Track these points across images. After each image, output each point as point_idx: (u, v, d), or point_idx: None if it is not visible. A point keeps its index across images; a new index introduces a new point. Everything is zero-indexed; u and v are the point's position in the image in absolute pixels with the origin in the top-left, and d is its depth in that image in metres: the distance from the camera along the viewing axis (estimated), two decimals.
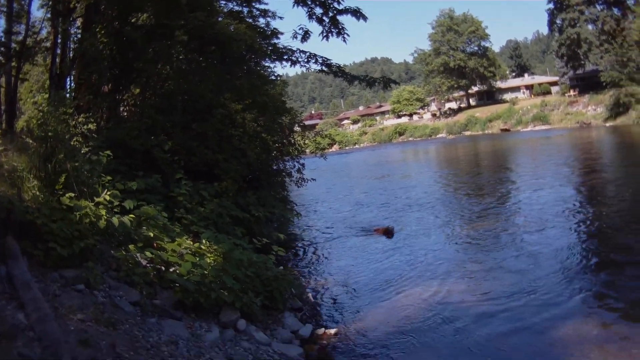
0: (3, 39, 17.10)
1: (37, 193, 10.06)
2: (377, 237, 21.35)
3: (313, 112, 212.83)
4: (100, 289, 9.16)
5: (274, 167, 22.89)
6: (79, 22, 18.36)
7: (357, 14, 20.02)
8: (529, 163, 44.24)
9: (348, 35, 20.54)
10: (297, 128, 24.94)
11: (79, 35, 17.94)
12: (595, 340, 9.98)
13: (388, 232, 21.57)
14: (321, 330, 11.89)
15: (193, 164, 16.95)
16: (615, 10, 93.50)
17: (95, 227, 10.18)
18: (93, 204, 10.53)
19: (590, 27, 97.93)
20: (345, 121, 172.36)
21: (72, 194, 10.18)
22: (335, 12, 20.23)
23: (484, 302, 12.81)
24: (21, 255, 8.46)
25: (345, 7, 20.16)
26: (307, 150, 26.31)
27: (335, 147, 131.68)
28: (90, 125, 13.52)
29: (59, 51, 17.04)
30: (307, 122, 73.55)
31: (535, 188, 28.88)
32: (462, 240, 19.53)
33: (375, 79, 23.36)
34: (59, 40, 17.07)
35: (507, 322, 11.51)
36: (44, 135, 10.87)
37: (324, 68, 22.68)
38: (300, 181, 23.88)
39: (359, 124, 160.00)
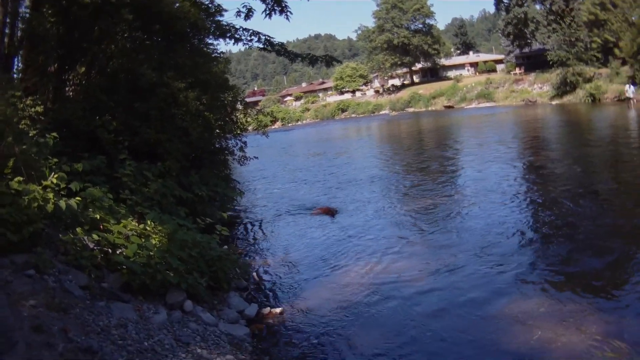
0: None
1: None
2: (320, 217, 21.55)
3: (256, 88, 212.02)
4: (50, 274, 9.18)
5: (217, 146, 22.87)
6: (28, 1, 18.14)
7: None
8: (470, 140, 45.07)
9: (291, 13, 20.54)
10: (239, 106, 24.92)
11: (27, 14, 17.73)
12: (537, 315, 10.38)
13: (330, 212, 21.77)
14: (267, 310, 12.09)
15: (136, 144, 16.88)
16: None
17: (43, 211, 10.19)
18: (41, 187, 10.55)
19: (538, 7, 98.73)
20: (288, 98, 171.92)
21: (21, 178, 10.19)
22: None
23: (424, 278, 13.21)
24: None
25: None
26: (250, 128, 26.34)
27: (277, 124, 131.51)
28: (37, 108, 13.48)
29: (7, 31, 16.86)
30: (249, 99, 73.27)
31: (476, 164, 29.59)
32: (402, 218, 19.89)
33: (317, 57, 23.42)
34: (8, 20, 16.89)
35: (446, 297, 11.92)
36: None
37: (266, 46, 22.70)
38: (242, 159, 23.89)
39: (302, 101, 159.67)
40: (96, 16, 17.85)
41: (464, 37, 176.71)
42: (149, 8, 18.66)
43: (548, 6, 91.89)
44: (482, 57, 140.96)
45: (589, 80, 75.62)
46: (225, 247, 14.57)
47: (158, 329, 9.26)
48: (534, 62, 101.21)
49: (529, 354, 8.97)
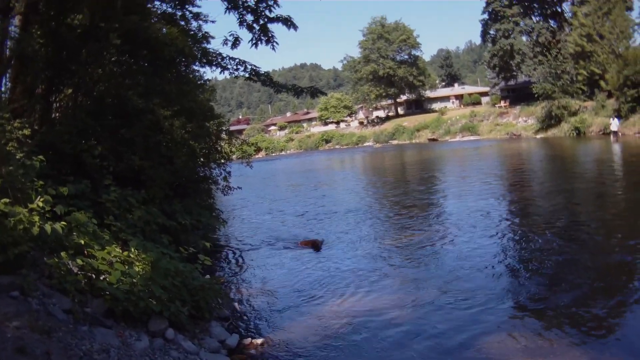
0: None
1: None
2: (303, 249, 21.54)
3: (241, 117, 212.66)
4: (34, 296, 9.19)
5: (201, 174, 22.92)
6: (17, 21, 18.19)
7: (287, 22, 20.23)
8: (454, 173, 45.31)
9: (277, 43, 20.67)
10: (224, 135, 24.98)
11: (16, 34, 17.77)
12: (518, 351, 10.44)
13: (315, 246, 21.47)
14: (248, 340, 12.07)
15: (121, 169, 16.85)
16: (551, 22, 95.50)
17: (29, 234, 10.20)
18: (27, 210, 10.57)
19: (524, 38, 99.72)
20: (272, 127, 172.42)
21: (7, 200, 10.21)
22: (266, 19, 20.38)
23: (395, 310, 13.30)
24: None
25: (276, 16, 20.26)
26: (234, 157, 26.40)
27: (261, 154, 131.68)
28: (25, 131, 13.47)
29: None
30: (234, 128, 73.35)
31: (460, 198, 29.76)
32: (378, 251, 19.89)
33: (302, 88, 23.49)
34: None
35: (416, 330, 12.00)
36: None
37: (252, 76, 22.81)
38: (226, 189, 23.91)
39: (286, 131, 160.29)
40: (85, 39, 17.91)
41: (450, 68, 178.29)
42: (137, 33, 18.74)
43: (535, 38, 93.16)
44: (467, 89, 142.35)
45: (574, 113, 76.50)
46: (208, 276, 14.53)
47: (140, 355, 9.27)
48: (519, 95, 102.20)
49: None
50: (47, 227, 10.55)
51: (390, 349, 11.19)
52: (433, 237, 21.16)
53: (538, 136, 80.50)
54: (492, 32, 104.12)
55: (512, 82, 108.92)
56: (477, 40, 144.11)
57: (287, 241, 23.33)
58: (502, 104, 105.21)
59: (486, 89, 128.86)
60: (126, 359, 8.83)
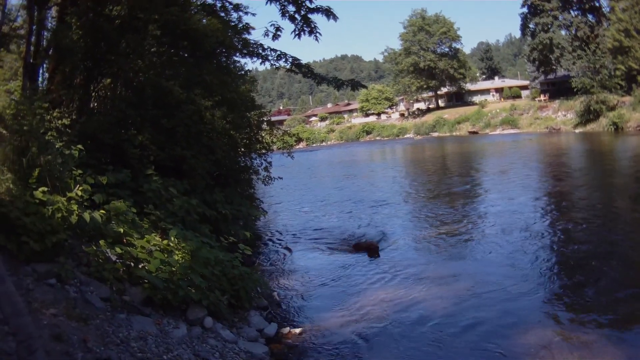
0: None
1: (11, 186, 10.10)
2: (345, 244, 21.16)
3: (281, 107, 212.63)
4: (71, 284, 9.24)
5: (242, 164, 22.86)
6: (54, 12, 18.25)
7: (328, 13, 20.12)
8: (496, 166, 44.69)
9: (320, 34, 20.60)
10: (265, 125, 24.91)
11: (53, 24, 17.83)
12: (554, 346, 10.24)
13: (371, 250, 19.36)
14: (286, 329, 12.01)
15: (162, 159, 16.90)
16: (589, 17, 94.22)
17: (67, 222, 10.24)
18: (65, 198, 10.58)
19: (563, 32, 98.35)
20: (313, 118, 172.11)
21: (45, 188, 10.23)
22: (307, 10, 20.28)
23: (442, 304, 13.10)
24: None
25: (317, 6, 20.17)
26: (275, 147, 26.32)
27: (302, 144, 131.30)
28: (64, 120, 13.52)
29: (33, 39, 16.96)
30: (275, 118, 73.38)
31: (503, 192, 29.34)
32: (424, 243, 19.81)
33: (343, 81, 23.36)
34: (34, 29, 17.00)
35: (461, 324, 11.85)
36: (19, 128, 10.89)
37: (293, 68, 22.72)
38: (267, 179, 23.84)
39: (327, 122, 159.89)
40: (123, 30, 17.93)
41: (490, 61, 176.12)
42: (177, 24, 18.73)
43: (573, 32, 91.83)
44: (508, 82, 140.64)
45: (612, 108, 75.45)
46: (247, 266, 14.46)
47: (177, 343, 9.25)
48: (558, 89, 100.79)
49: None
50: (86, 215, 10.58)
51: (437, 342, 11.04)
52: (473, 230, 21.11)
53: (577, 130, 79.45)
54: (531, 25, 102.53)
55: (551, 76, 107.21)
56: (517, 34, 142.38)
57: (327, 232, 23.28)
58: (542, 97, 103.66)
59: (526, 82, 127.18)
60: (163, 346, 8.81)
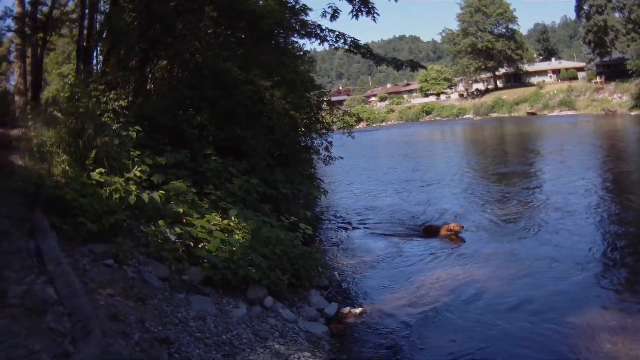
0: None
1: (67, 168, 10.10)
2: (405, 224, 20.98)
3: (341, 88, 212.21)
4: (129, 264, 9.24)
5: (302, 144, 22.77)
6: None
7: None
8: (556, 148, 43.92)
9: (378, 14, 20.44)
10: (324, 105, 24.78)
11: (104, 8, 17.92)
12: (614, 330, 9.99)
13: (452, 232, 18.13)
14: (346, 309, 11.89)
15: (221, 139, 16.90)
16: None
17: (125, 203, 10.24)
18: (123, 179, 10.57)
19: (617, 14, 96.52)
20: (373, 98, 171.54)
21: (102, 170, 10.22)
22: None
23: (509, 289, 12.80)
24: (50, 229, 8.50)
25: None
26: (335, 127, 26.15)
27: (362, 124, 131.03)
28: (121, 102, 13.55)
29: (86, 23, 17.04)
30: (334, 98, 73.20)
31: (562, 174, 28.81)
32: (490, 226, 19.38)
33: (402, 61, 23.24)
34: (87, 12, 17.08)
35: (521, 306, 11.64)
36: (74, 110, 10.90)
37: (352, 48, 22.59)
38: (327, 159, 23.70)
39: (386, 102, 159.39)
40: (178, 12, 17.93)
41: (546, 43, 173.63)
42: (233, 6, 18.66)
43: (627, 14, 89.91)
44: (564, 64, 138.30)
45: None
46: (308, 245, 14.32)
47: (237, 323, 9.18)
48: (613, 71, 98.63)
49: None
50: (145, 195, 10.59)
51: (494, 323, 10.85)
52: (530, 210, 20.83)
53: (632, 113, 77.34)
54: (585, 7, 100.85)
55: (606, 58, 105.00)
56: (572, 15, 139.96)
57: (388, 212, 23.10)
58: (598, 79, 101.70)
59: (582, 64, 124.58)
60: (223, 326, 8.74)
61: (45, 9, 18.65)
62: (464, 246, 16.95)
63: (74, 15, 18.46)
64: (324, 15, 20.93)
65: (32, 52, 18.77)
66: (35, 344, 5.77)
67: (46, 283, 7.13)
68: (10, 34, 21.55)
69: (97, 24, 17.47)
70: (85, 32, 16.90)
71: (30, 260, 7.60)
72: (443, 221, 20.09)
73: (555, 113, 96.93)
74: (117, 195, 10.08)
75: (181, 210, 11.88)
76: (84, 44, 16.75)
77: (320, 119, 23.62)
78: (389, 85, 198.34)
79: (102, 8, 17.98)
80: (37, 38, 18.23)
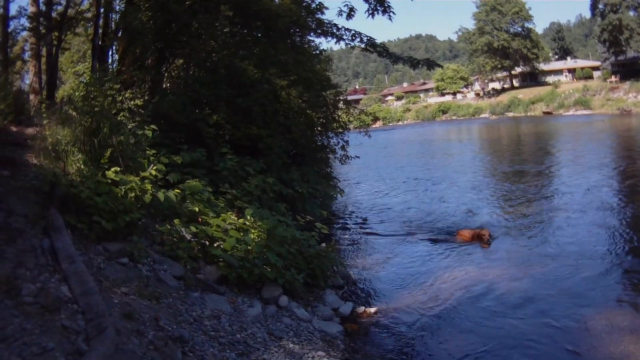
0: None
1: (82, 167, 10.11)
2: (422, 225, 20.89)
3: (357, 87, 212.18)
4: (144, 263, 9.24)
5: (318, 143, 22.76)
6: None
7: None
8: (573, 147, 43.65)
9: (394, 13, 20.43)
10: (341, 105, 24.78)
11: (119, 7, 17.97)
12: (624, 329, 9.95)
13: (481, 238, 17.17)
14: (361, 309, 11.82)
15: (237, 138, 16.91)
16: None
17: (141, 201, 10.24)
18: (139, 178, 10.58)
19: (632, 13, 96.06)
20: (389, 97, 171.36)
21: (118, 168, 10.22)
22: None
23: (529, 291, 12.63)
24: (65, 228, 8.50)
25: None
26: (351, 126, 26.13)
27: (378, 123, 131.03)
28: (137, 101, 13.56)
29: (101, 22, 17.09)
30: (351, 97, 73.17)
31: (581, 173, 28.56)
32: (501, 223, 19.31)
33: (419, 60, 23.24)
34: (102, 12, 17.13)
35: (537, 306, 11.55)
36: (90, 109, 10.91)
37: (368, 47, 22.59)
38: (344, 158, 23.68)
39: (403, 101, 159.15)
40: (194, 11, 17.95)
41: (562, 41, 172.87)
42: (249, 5, 18.68)
43: None
44: (580, 63, 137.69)
45: None
46: (324, 244, 14.28)
47: (251, 322, 9.18)
48: (629, 70, 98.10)
49: None
50: (160, 194, 10.59)
51: (510, 323, 10.79)
52: (551, 210, 20.64)
53: None
54: (600, 6, 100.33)
55: (621, 57, 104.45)
56: (588, 14, 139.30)
57: (404, 212, 22.99)
58: (613, 78, 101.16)
59: (597, 63, 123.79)
60: (237, 325, 8.75)
61: (60, 8, 18.73)
62: (484, 249, 16.85)
63: (89, 15, 18.52)
64: (340, 14, 20.97)
65: (47, 51, 18.84)
66: (49, 342, 5.80)
67: (60, 281, 7.16)
68: (24, 33, 21.70)
69: (113, 23, 17.52)
70: (100, 31, 16.96)
71: (45, 258, 7.61)
72: (459, 220, 20.14)
73: (570, 112, 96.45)
74: (133, 194, 10.09)
75: (197, 209, 11.89)
76: (100, 42, 16.81)
77: (337, 117, 23.64)
78: (405, 85, 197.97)
79: (118, 7, 18.02)
80: (52, 37, 18.29)
